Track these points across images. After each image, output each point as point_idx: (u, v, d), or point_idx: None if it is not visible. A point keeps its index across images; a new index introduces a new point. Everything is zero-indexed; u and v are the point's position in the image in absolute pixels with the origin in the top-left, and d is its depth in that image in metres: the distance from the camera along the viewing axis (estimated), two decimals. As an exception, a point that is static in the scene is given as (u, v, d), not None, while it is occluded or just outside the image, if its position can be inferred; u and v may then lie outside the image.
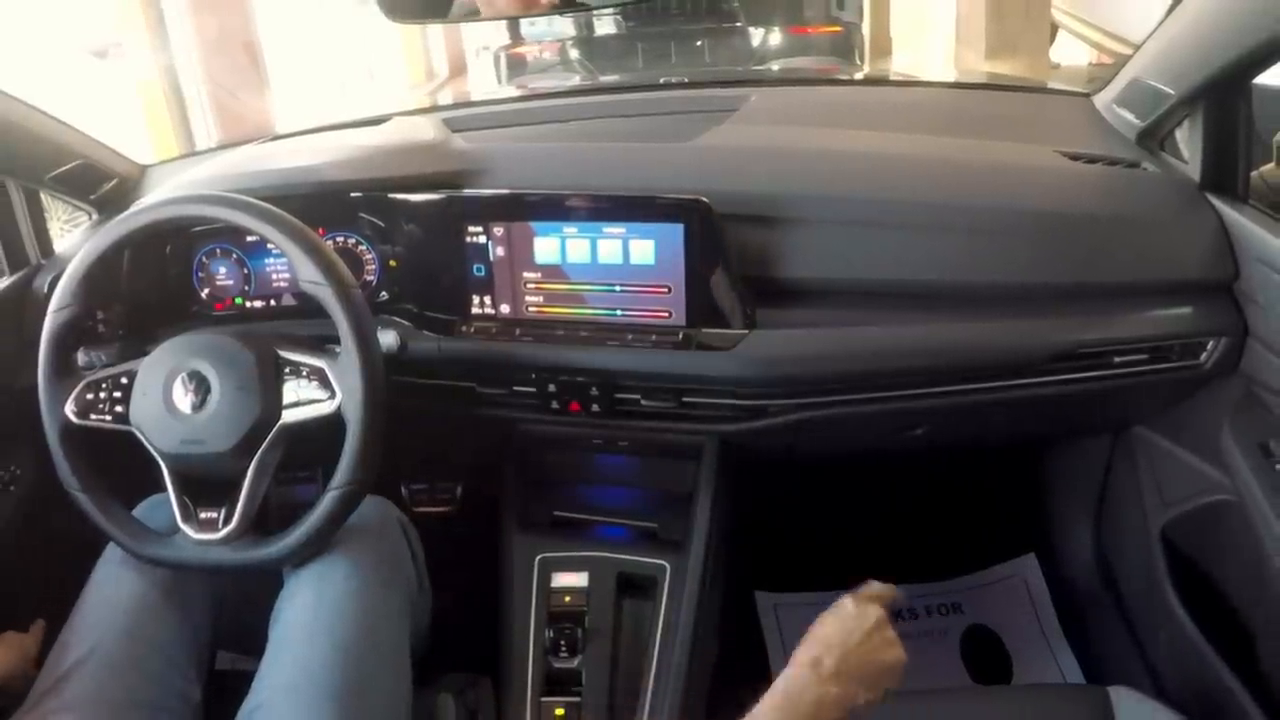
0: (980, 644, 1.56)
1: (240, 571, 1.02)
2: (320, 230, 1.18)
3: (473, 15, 1.14)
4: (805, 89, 1.74)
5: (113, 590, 1.01)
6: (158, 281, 1.28)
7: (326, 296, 0.99)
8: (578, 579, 1.16)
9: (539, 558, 1.18)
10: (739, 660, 1.48)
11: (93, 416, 1.03)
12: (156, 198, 1.10)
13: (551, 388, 1.16)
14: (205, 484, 1.01)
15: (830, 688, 0.75)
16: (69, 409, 1.03)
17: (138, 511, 1.06)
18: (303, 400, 1.00)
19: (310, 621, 0.96)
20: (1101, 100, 1.32)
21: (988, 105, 1.53)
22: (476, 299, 1.19)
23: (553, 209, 1.13)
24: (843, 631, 0.79)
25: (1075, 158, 1.18)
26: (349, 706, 0.90)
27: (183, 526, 0.99)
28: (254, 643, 1.03)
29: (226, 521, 0.98)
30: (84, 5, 3.85)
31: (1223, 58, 0.96)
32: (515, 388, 1.18)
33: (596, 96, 1.64)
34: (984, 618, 1.59)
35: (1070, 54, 5.08)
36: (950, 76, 3.71)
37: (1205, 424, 1.14)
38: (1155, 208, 1.10)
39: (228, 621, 1.09)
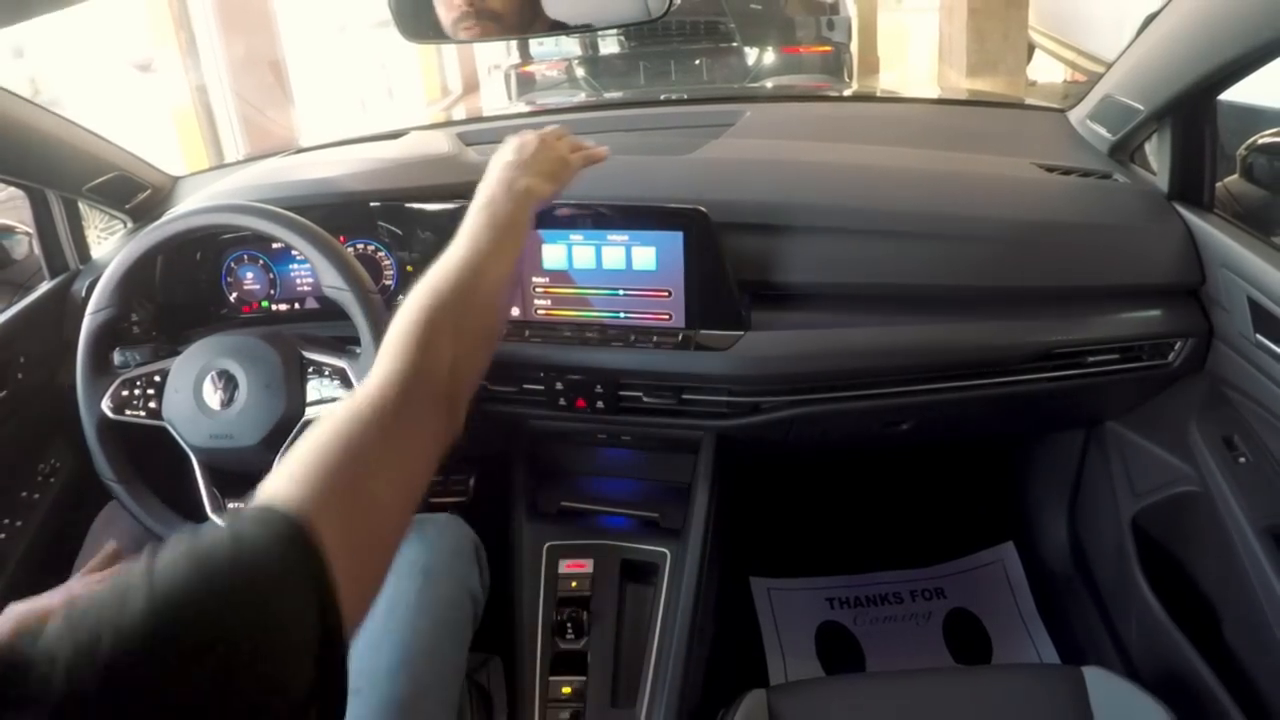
0: (961, 626, 1.56)
1: None
2: (341, 238, 1.18)
3: (485, 36, 1.14)
4: (797, 105, 1.73)
5: None
6: (189, 285, 1.28)
7: (348, 300, 0.99)
8: (584, 565, 1.16)
9: (547, 545, 1.18)
10: (735, 641, 1.48)
11: (128, 412, 1.03)
12: (188, 207, 1.09)
13: (559, 385, 1.16)
14: (233, 476, 1.02)
15: (521, 184, 0.83)
16: (105, 405, 1.03)
17: None
18: (325, 398, 1.00)
19: (378, 631, 0.93)
20: (1075, 115, 1.31)
21: (968, 120, 1.53)
22: (488, 302, 1.19)
23: (560, 218, 1.13)
24: (520, 149, 0.88)
25: (1051, 169, 1.17)
26: (408, 711, 0.89)
27: (212, 516, 1.00)
28: None
29: (254, 512, 0.98)
30: (127, 22, 3.85)
31: (1190, 75, 0.96)
32: (525, 385, 1.18)
33: (601, 112, 1.63)
34: (965, 602, 1.59)
35: (1046, 72, 5.09)
36: (933, 93, 3.71)
37: (1173, 419, 1.14)
38: (1126, 217, 1.10)
39: None
